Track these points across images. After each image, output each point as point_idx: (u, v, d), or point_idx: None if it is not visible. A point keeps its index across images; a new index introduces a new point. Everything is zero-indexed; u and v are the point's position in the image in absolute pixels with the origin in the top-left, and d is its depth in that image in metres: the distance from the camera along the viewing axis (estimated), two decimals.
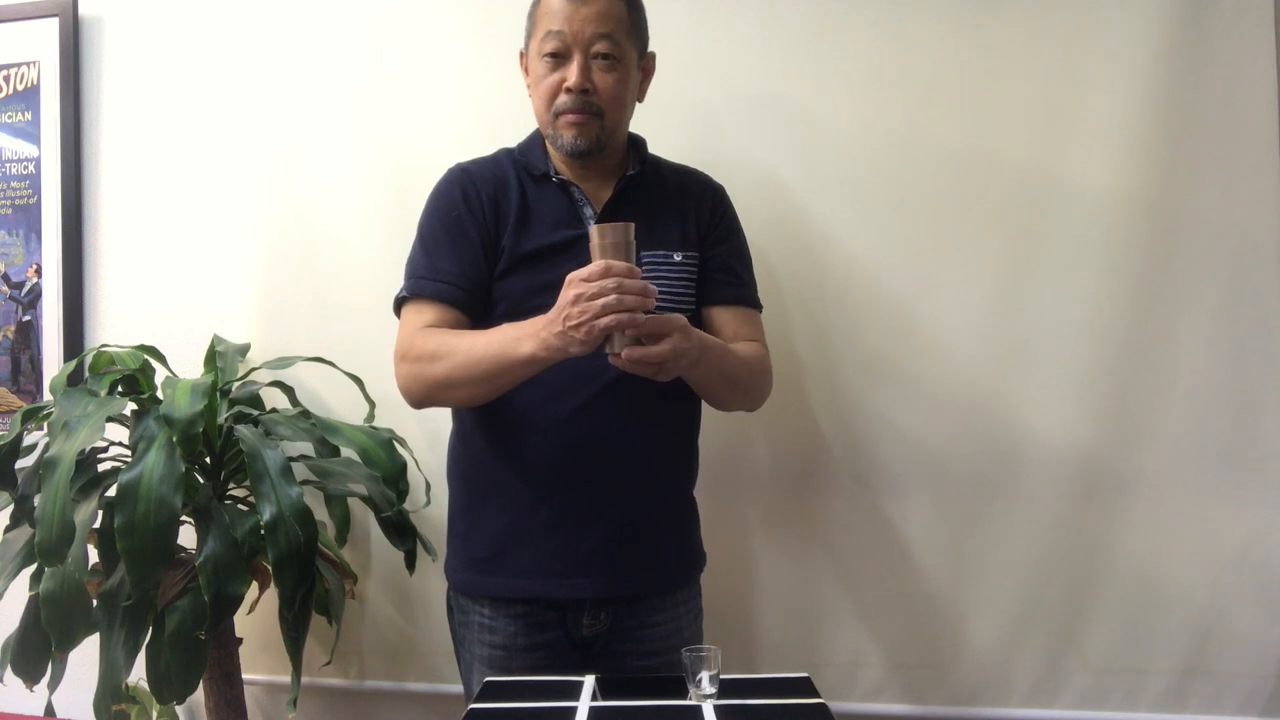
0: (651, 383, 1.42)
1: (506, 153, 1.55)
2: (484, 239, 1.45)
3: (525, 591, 1.43)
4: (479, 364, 1.34)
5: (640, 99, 1.52)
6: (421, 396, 1.43)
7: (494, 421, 1.44)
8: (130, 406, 1.69)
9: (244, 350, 1.96)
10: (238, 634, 1.83)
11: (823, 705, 1.21)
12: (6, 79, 2.17)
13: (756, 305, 1.57)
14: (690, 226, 1.51)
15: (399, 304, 1.48)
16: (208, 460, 1.78)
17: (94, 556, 1.66)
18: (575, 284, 1.24)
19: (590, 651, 1.45)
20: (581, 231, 1.45)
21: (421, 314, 1.43)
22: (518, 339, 1.31)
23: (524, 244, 1.44)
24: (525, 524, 1.43)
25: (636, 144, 1.56)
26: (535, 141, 1.53)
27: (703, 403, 1.56)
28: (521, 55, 1.52)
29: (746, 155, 1.83)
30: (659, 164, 1.58)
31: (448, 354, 1.36)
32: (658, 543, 1.48)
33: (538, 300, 1.39)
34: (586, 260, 1.28)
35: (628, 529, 1.44)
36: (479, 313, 1.44)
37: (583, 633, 1.44)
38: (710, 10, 1.87)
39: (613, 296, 1.21)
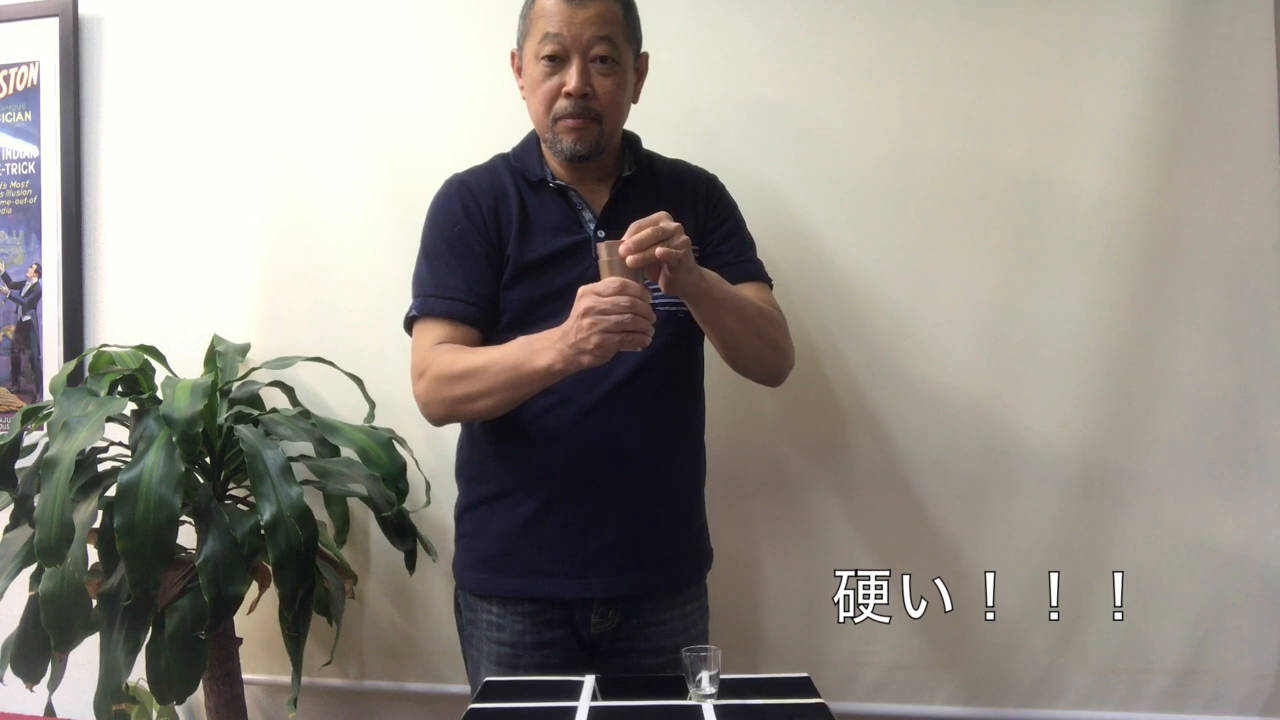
0: (658, 384, 1.43)
1: (502, 159, 1.54)
2: (488, 251, 1.44)
3: (534, 591, 1.43)
4: (498, 377, 1.34)
5: (635, 100, 1.52)
6: (443, 415, 1.44)
7: (502, 425, 1.44)
8: (130, 406, 1.69)
9: (244, 350, 1.96)
10: (238, 634, 1.83)
11: (823, 705, 1.20)
12: (6, 79, 2.17)
13: (766, 279, 1.55)
14: (688, 221, 1.50)
15: (409, 323, 1.48)
16: (208, 460, 1.78)
17: (94, 556, 1.66)
18: (587, 296, 1.24)
19: (597, 649, 1.45)
20: (582, 237, 1.45)
21: (433, 332, 1.43)
22: (535, 350, 1.31)
23: (527, 253, 1.44)
24: (534, 525, 1.44)
25: (631, 143, 1.55)
26: (530, 146, 1.51)
27: (706, 403, 1.56)
28: (513, 56, 1.50)
29: (744, 158, 1.82)
30: (653, 161, 1.57)
31: (466, 371, 1.37)
32: (665, 541, 1.48)
33: (542, 309, 1.40)
34: (588, 265, 1.27)
35: (636, 529, 1.44)
36: (489, 325, 1.44)
37: (590, 631, 1.44)
38: (708, 14, 1.86)
39: (628, 315, 1.22)
